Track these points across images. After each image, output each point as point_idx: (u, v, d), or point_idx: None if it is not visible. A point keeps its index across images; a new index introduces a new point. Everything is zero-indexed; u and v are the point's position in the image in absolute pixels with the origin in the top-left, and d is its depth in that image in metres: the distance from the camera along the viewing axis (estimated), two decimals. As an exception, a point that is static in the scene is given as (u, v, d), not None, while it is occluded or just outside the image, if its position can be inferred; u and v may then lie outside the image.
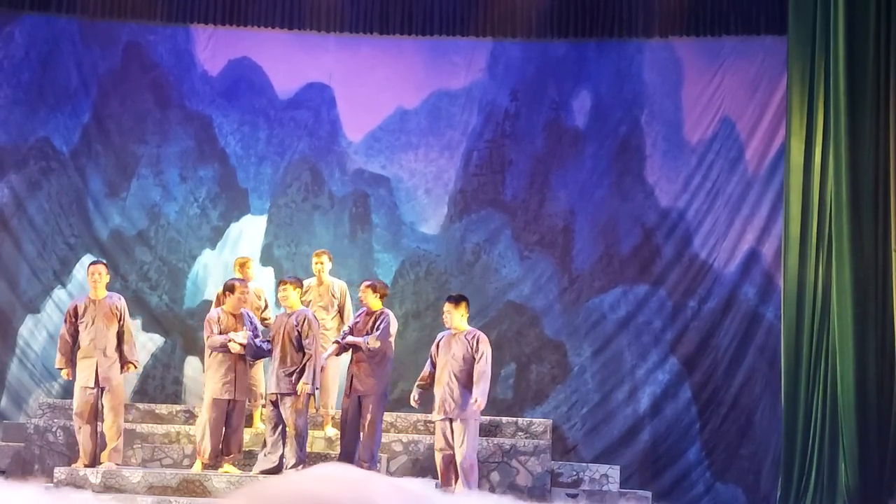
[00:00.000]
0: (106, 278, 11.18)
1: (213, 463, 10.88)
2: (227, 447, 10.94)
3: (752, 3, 13.02)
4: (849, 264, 11.45)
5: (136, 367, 11.35)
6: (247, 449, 11.25)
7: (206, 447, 10.82)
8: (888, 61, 11.52)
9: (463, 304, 10.83)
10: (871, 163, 11.51)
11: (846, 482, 11.34)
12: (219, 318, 10.98)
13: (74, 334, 11.04)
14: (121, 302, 11.20)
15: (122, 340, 11.12)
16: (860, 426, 11.33)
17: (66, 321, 11.09)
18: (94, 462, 10.93)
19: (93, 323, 11.00)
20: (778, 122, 12.72)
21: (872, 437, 11.34)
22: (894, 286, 11.32)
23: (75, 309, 11.08)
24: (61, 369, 11.13)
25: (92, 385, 10.94)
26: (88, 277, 11.20)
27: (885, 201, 11.47)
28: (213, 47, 13.77)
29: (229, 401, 10.88)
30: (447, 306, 10.84)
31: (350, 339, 11.04)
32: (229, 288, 11.07)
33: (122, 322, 11.09)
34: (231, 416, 10.90)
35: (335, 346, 11.21)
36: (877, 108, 11.52)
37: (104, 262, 11.58)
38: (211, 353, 10.96)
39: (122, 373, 11.13)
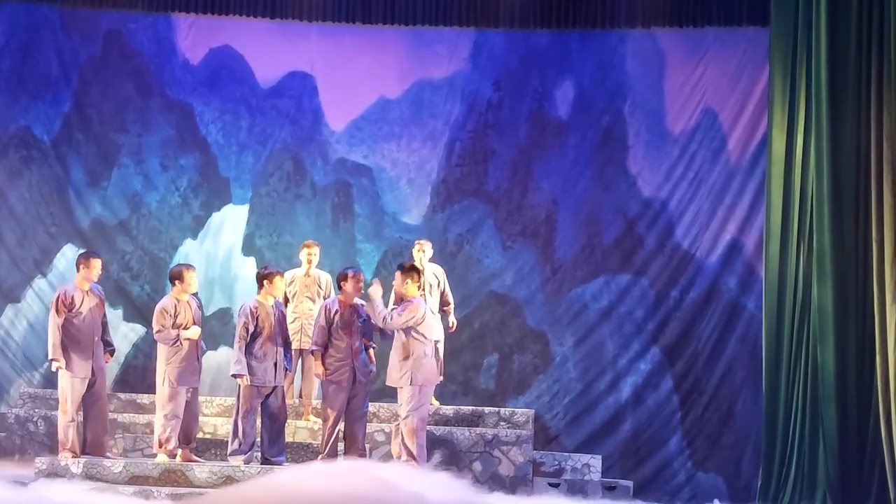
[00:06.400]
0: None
1: (175, 452, 10.84)
2: (185, 436, 10.88)
3: (735, -6, 13.04)
4: (829, 256, 11.49)
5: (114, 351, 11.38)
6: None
7: (171, 436, 10.76)
8: (870, 53, 11.53)
9: (401, 273, 10.70)
10: (852, 154, 11.54)
11: (826, 472, 11.40)
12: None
13: (66, 324, 10.89)
14: (102, 292, 11.26)
15: (105, 329, 11.17)
16: (840, 416, 11.38)
17: (58, 312, 10.86)
18: (81, 452, 10.88)
19: (90, 314, 10.96)
20: (760, 113, 12.73)
21: (852, 428, 11.39)
22: (875, 278, 11.36)
23: (72, 300, 10.92)
24: (55, 360, 10.85)
25: (90, 375, 10.90)
26: (89, 270, 10.98)
27: (865, 193, 11.49)
28: (194, 36, 13.69)
29: (188, 389, 10.85)
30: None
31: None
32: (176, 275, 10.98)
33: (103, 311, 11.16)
34: (189, 405, 10.88)
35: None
36: (858, 100, 11.54)
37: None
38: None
39: (108, 360, 11.20)
